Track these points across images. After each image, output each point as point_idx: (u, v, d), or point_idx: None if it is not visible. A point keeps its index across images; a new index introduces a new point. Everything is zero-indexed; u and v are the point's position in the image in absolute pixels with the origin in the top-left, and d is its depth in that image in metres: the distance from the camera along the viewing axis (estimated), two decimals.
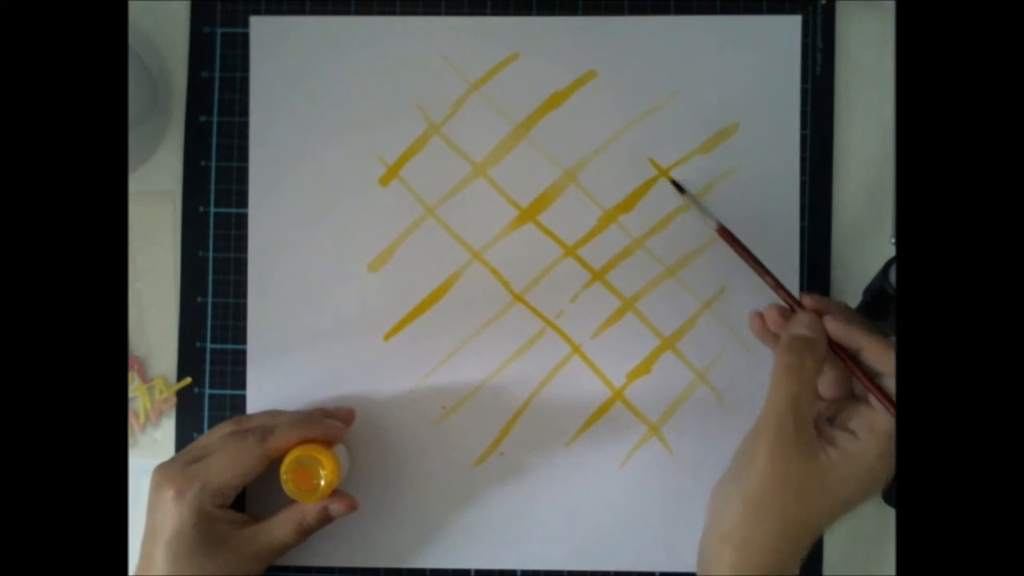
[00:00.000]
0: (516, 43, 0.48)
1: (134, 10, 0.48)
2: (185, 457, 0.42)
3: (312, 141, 0.48)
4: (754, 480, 0.37)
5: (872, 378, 0.38)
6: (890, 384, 0.38)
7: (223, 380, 0.48)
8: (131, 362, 0.48)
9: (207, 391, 0.48)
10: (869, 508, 0.46)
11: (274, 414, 0.45)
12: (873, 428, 0.38)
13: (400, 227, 0.48)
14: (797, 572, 0.38)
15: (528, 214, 0.48)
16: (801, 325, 0.39)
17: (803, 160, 0.47)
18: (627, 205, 0.47)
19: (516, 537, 0.47)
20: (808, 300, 0.41)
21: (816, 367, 0.38)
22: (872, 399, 0.38)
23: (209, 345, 0.48)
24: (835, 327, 0.39)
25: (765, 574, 0.37)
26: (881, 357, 0.38)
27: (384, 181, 0.48)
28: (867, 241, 0.47)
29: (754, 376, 0.47)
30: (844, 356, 0.39)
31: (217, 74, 0.48)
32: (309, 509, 0.42)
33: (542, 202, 0.48)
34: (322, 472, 0.41)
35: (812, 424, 0.38)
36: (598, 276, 0.47)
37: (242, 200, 0.48)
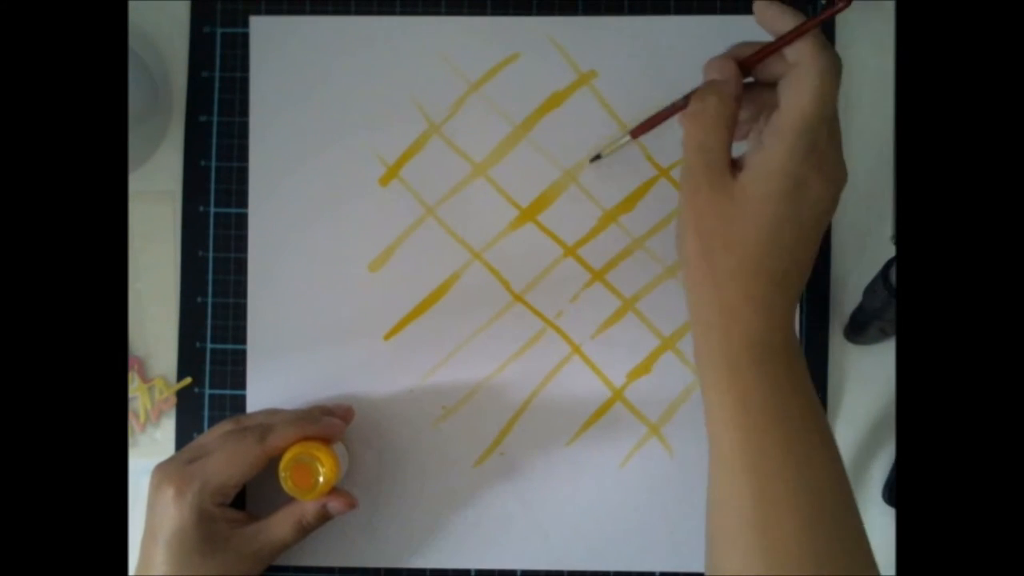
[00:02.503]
0: (516, 43, 0.48)
1: (134, 10, 0.48)
2: (184, 456, 0.42)
3: (312, 141, 0.48)
4: (678, 233, 0.37)
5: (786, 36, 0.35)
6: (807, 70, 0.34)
7: (223, 380, 0.48)
8: (131, 362, 0.48)
9: (207, 391, 0.48)
10: (869, 508, 0.46)
11: (273, 412, 0.45)
12: (776, 128, 0.34)
13: (400, 227, 0.48)
14: (786, 320, 0.36)
15: (528, 214, 0.48)
16: (710, 69, 0.37)
17: None
18: (627, 205, 0.47)
19: (516, 537, 0.47)
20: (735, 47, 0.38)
21: (724, 107, 0.35)
22: (780, 94, 0.35)
23: (209, 345, 0.48)
24: (761, 8, 0.36)
25: (731, 318, 0.35)
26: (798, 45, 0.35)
27: (384, 181, 0.48)
28: (867, 241, 0.47)
29: None
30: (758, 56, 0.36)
31: (217, 74, 0.48)
32: (308, 507, 0.42)
33: (542, 202, 0.48)
34: (321, 470, 0.42)
35: (726, 163, 0.35)
36: (598, 276, 0.47)
37: (242, 200, 0.48)
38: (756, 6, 0.36)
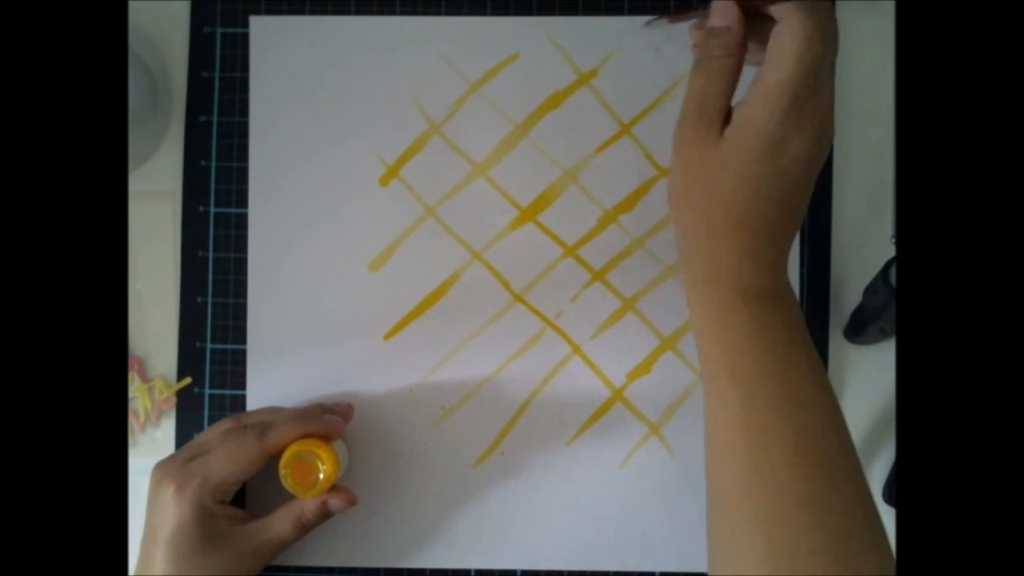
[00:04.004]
0: (516, 43, 0.48)
1: (134, 10, 0.48)
2: (184, 454, 0.42)
3: (312, 141, 0.48)
4: (669, 180, 0.37)
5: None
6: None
7: (223, 380, 0.48)
8: (131, 362, 0.48)
9: (207, 391, 0.48)
10: None
11: (273, 410, 0.45)
12: (759, 85, 0.34)
13: (400, 227, 0.48)
14: (771, 274, 0.36)
15: (528, 214, 0.48)
16: (713, 15, 0.36)
17: None
18: (627, 205, 0.47)
19: (516, 537, 0.47)
20: None
21: (727, 54, 0.35)
22: (767, 50, 0.34)
23: (209, 345, 0.48)
24: None
25: (714, 269, 0.36)
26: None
27: (384, 181, 0.48)
28: (867, 241, 0.47)
29: None
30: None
31: (217, 74, 0.48)
32: (308, 504, 0.42)
33: (542, 202, 0.48)
34: (321, 467, 0.42)
35: (720, 114, 0.35)
36: (598, 276, 0.47)
37: (242, 200, 0.48)
38: None
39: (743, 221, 0.35)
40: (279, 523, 0.42)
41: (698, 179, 0.35)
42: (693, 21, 0.38)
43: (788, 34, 0.33)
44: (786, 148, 0.34)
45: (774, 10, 0.34)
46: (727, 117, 0.35)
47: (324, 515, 0.43)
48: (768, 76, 0.34)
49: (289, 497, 0.42)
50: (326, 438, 0.43)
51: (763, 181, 0.34)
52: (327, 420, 0.43)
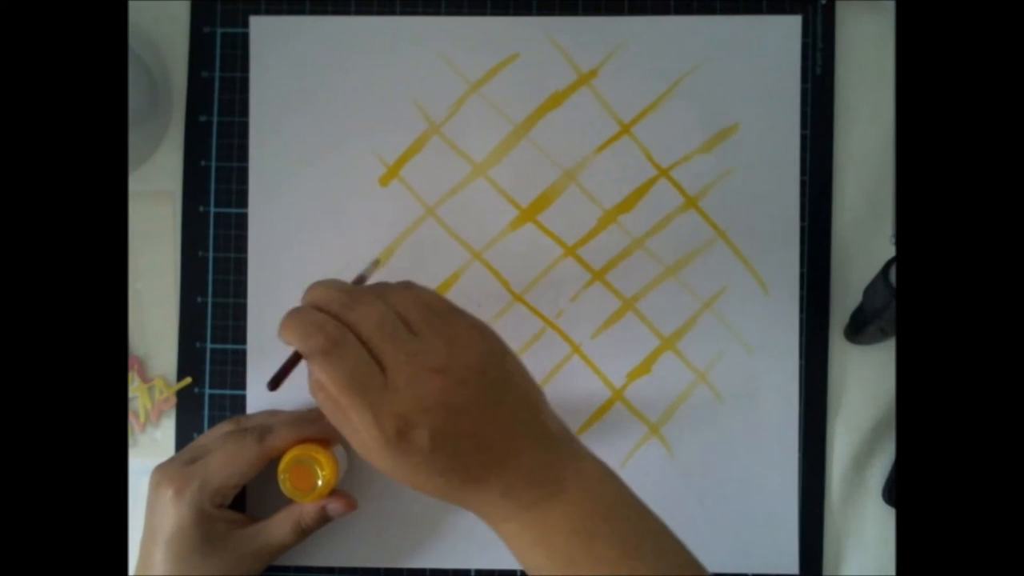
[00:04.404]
0: (516, 43, 0.48)
1: (134, 10, 0.48)
2: (184, 457, 0.42)
3: (312, 141, 0.48)
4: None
5: None
6: None
7: (223, 380, 0.48)
8: (131, 362, 0.48)
9: (207, 391, 0.48)
10: (869, 508, 0.46)
11: (273, 413, 0.45)
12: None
13: (400, 227, 0.48)
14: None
15: (528, 214, 0.48)
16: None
17: (803, 160, 0.47)
18: (627, 205, 0.47)
19: None
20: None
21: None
22: None
23: (209, 345, 0.48)
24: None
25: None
26: None
27: (384, 181, 0.48)
28: (867, 241, 0.47)
29: (754, 376, 0.47)
30: None
31: (217, 74, 0.48)
32: (307, 509, 0.42)
33: (542, 202, 0.48)
34: (320, 472, 0.41)
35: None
36: (598, 276, 0.47)
37: (242, 200, 0.48)
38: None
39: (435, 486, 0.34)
40: (278, 527, 0.42)
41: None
42: None
43: None
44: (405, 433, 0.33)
45: None
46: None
47: (323, 519, 0.43)
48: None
49: (289, 500, 0.42)
50: (326, 442, 0.43)
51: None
52: (327, 425, 0.43)
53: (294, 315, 0.35)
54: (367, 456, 0.34)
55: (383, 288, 0.36)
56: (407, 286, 0.36)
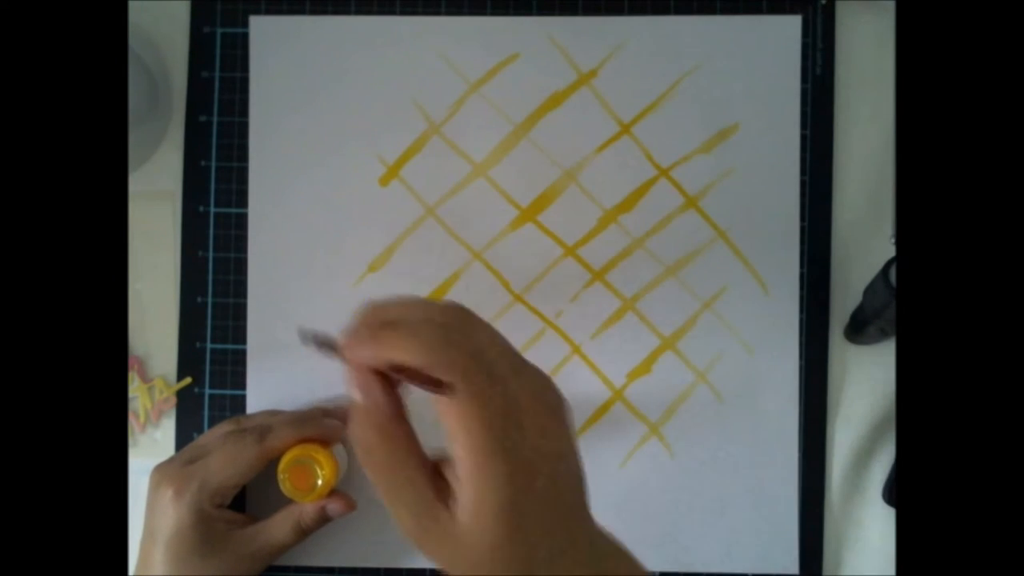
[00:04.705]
0: (516, 43, 0.48)
1: (134, 10, 0.48)
2: (183, 457, 0.42)
3: (312, 141, 0.48)
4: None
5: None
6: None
7: (223, 380, 0.48)
8: (131, 362, 0.48)
9: (207, 391, 0.48)
10: (869, 508, 0.46)
11: (272, 413, 0.45)
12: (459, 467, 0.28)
13: (400, 227, 0.48)
14: None
15: (528, 214, 0.48)
16: (351, 386, 0.30)
17: (803, 160, 0.47)
18: (627, 205, 0.47)
19: None
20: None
21: (384, 442, 0.30)
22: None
23: (209, 345, 0.48)
24: None
25: None
26: None
27: (384, 181, 0.48)
28: (867, 241, 0.47)
29: (754, 376, 0.47)
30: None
31: (217, 74, 0.48)
32: (307, 509, 0.42)
33: (542, 202, 0.48)
34: (320, 472, 0.41)
35: (423, 493, 0.30)
36: (598, 276, 0.47)
37: (242, 200, 0.48)
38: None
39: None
40: (278, 527, 0.42)
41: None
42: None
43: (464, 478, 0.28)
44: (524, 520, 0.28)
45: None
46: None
47: (323, 520, 0.43)
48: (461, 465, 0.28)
49: (289, 500, 0.42)
50: (325, 443, 0.43)
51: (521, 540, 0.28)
52: (327, 424, 0.43)
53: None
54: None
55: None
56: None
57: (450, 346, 0.29)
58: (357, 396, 0.29)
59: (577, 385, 0.47)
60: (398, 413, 0.30)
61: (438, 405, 0.28)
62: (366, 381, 0.29)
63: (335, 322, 0.47)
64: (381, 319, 0.30)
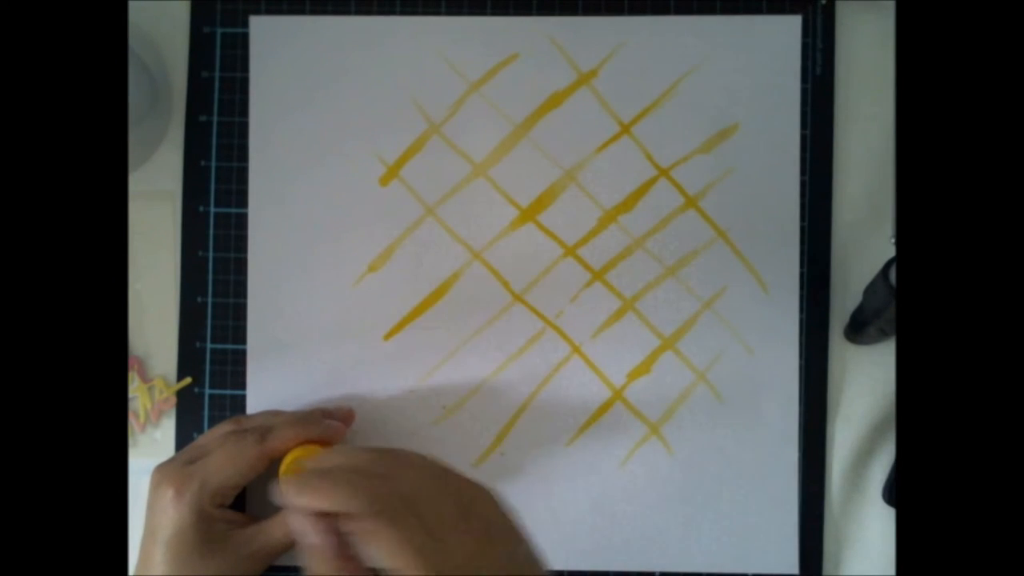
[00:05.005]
0: (516, 43, 0.48)
1: (134, 10, 0.48)
2: (184, 457, 0.42)
3: (312, 141, 0.48)
4: None
5: None
6: None
7: (223, 380, 0.48)
8: (131, 362, 0.48)
9: (207, 391, 0.48)
10: (869, 508, 0.47)
11: (274, 414, 0.45)
12: None
13: (400, 227, 0.48)
14: None
15: (528, 214, 0.48)
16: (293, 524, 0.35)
17: (803, 160, 0.47)
18: (627, 205, 0.47)
19: None
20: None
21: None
22: None
23: (209, 345, 0.48)
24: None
25: None
26: None
27: (384, 181, 0.48)
28: (867, 241, 0.47)
29: (754, 376, 0.47)
30: None
31: (217, 74, 0.48)
32: None
33: (542, 202, 0.48)
34: None
35: None
36: (598, 276, 0.47)
37: (242, 200, 0.48)
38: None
39: None
40: (278, 528, 0.42)
41: None
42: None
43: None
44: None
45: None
46: None
47: None
48: None
49: None
50: (326, 444, 0.43)
51: None
52: (328, 426, 0.43)
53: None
54: None
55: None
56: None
57: (373, 492, 0.33)
58: (298, 538, 0.34)
59: (577, 385, 0.47)
60: (339, 552, 0.33)
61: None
62: (302, 524, 0.34)
63: (335, 322, 0.47)
64: (313, 468, 0.35)
